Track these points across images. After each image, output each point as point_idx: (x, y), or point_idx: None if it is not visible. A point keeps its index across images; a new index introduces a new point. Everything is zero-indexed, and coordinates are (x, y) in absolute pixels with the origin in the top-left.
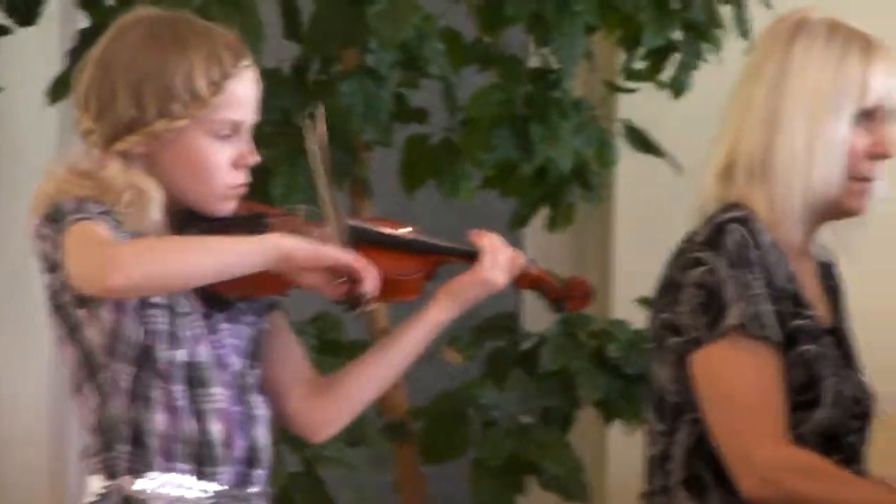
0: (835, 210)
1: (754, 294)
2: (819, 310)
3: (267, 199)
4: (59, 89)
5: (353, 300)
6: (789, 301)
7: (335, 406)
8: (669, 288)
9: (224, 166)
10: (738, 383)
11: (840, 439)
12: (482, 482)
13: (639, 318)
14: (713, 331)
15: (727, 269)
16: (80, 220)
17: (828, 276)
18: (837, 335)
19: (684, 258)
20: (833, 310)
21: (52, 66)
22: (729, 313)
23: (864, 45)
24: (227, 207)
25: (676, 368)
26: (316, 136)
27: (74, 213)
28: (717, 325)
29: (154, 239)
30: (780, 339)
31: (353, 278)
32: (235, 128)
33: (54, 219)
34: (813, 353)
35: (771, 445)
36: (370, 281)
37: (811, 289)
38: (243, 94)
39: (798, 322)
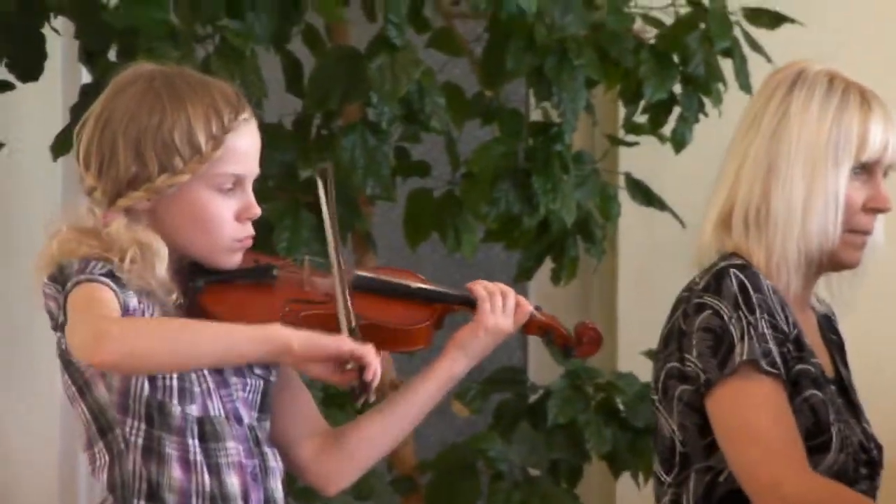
0: (831, 262)
1: (760, 333)
2: (821, 359)
3: (271, 252)
4: (63, 145)
5: (359, 388)
6: (792, 345)
7: (347, 459)
8: (673, 337)
9: (228, 219)
10: (757, 416)
11: (851, 487)
12: None
13: (645, 370)
14: (724, 370)
15: (731, 311)
16: (82, 283)
17: (828, 329)
18: (840, 386)
19: (687, 306)
20: (834, 362)
21: (56, 121)
22: (737, 352)
23: (862, 98)
24: (233, 260)
25: (683, 417)
26: (326, 191)
27: (78, 275)
28: (727, 363)
29: (152, 319)
30: (786, 378)
31: (358, 365)
32: (238, 181)
33: (58, 280)
34: (819, 399)
35: (798, 475)
36: (373, 366)
37: (813, 339)
38: (244, 147)
39: (801, 367)
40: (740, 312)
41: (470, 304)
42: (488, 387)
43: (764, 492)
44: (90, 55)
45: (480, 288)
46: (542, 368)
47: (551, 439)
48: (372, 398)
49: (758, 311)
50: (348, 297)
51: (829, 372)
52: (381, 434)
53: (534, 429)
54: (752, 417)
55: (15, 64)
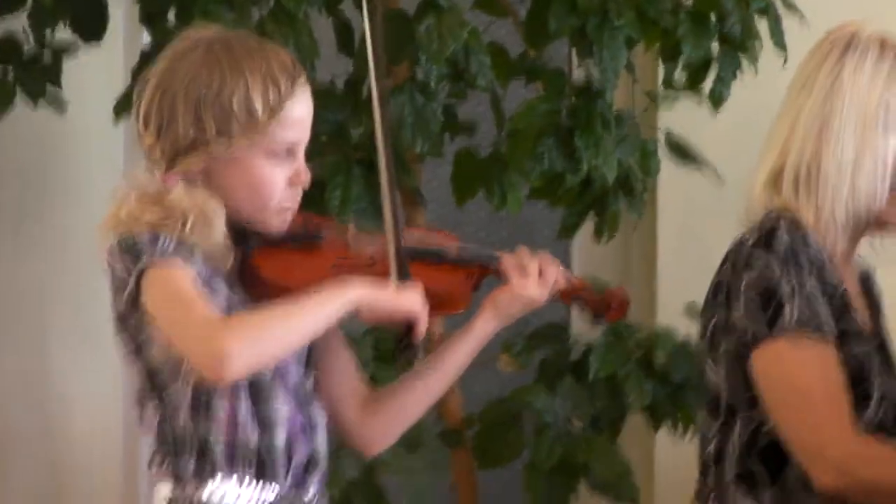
0: (877, 222)
1: (809, 293)
2: (861, 315)
3: (322, 208)
4: (124, 106)
5: (403, 345)
6: (839, 300)
7: (386, 420)
8: (721, 290)
9: (280, 185)
10: (805, 380)
11: (891, 438)
12: (535, 485)
13: (684, 326)
14: (772, 329)
15: (780, 268)
16: (157, 263)
17: (867, 286)
18: (879, 342)
19: (736, 259)
20: (873, 319)
21: (117, 83)
22: (786, 312)
23: None
24: (283, 223)
25: (730, 369)
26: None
27: (151, 252)
28: (775, 323)
29: (248, 317)
30: (835, 335)
31: (412, 324)
32: (291, 148)
33: (130, 251)
34: (862, 353)
35: (845, 438)
36: (419, 328)
37: (854, 296)
38: (299, 114)
39: (847, 321)
40: (790, 270)
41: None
42: (533, 342)
43: (810, 455)
44: (150, 18)
45: (511, 258)
46: (585, 324)
47: (593, 392)
48: (418, 357)
49: (806, 269)
50: (401, 246)
51: (869, 328)
52: (420, 394)
53: (577, 382)
54: (798, 382)
55: (78, 25)
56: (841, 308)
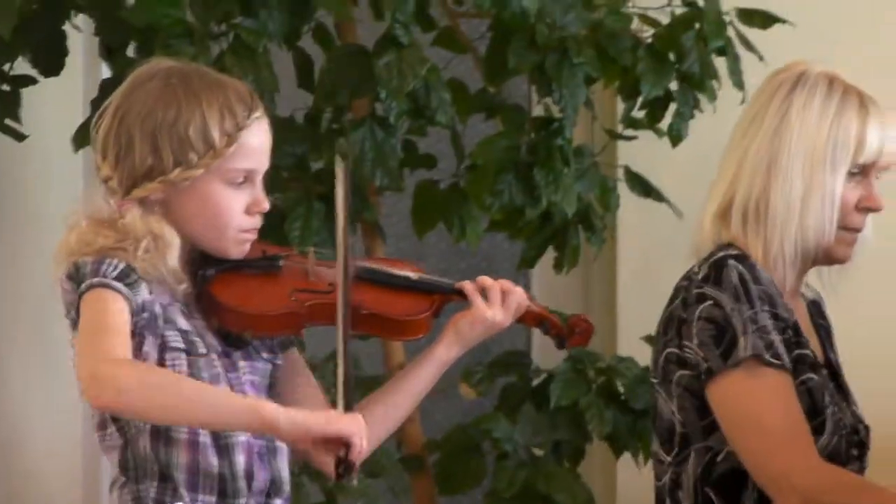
0: (825, 256)
1: (762, 326)
2: (813, 345)
3: (283, 240)
4: (83, 137)
5: (343, 465)
6: (791, 331)
7: None
8: (673, 324)
9: (238, 212)
10: (765, 409)
11: (843, 468)
12: None
13: (644, 355)
14: (727, 361)
15: (732, 303)
16: (95, 288)
17: (817, 315)
18: (830, 370)
19: (687, 295)
20: (823, 346)
21: (76, 114)
22: (740, 344)
23: (861, 101)
24: (241, 251)
25: (682, 400)
26: (341, 177)
27: (91, 277)
28: (730, 355)
29: (152, 371)
30: (790, 367)
31: (344, 444)
32: (248, 175)
33: (74, 278)
34: (815, 383)
35: (809, 465)
36: (357, 447)
37: (804, 326)
38: (256, 143)
39: (799, 352)
40: (741, 305)
41: (465, 296)
42: (494, 370)
43: (774, 482)
44: (110, 51)
45: (473, 283)
46: (546, 352)
47: (554, 421)
48: (355, 480)
49: (758, 304)
50: (347, 376)
51: (820, 356)
52: (381, 418)
53: (537, 410)
54: (759, 409)
55: (37, 59)
56: (793, 339)
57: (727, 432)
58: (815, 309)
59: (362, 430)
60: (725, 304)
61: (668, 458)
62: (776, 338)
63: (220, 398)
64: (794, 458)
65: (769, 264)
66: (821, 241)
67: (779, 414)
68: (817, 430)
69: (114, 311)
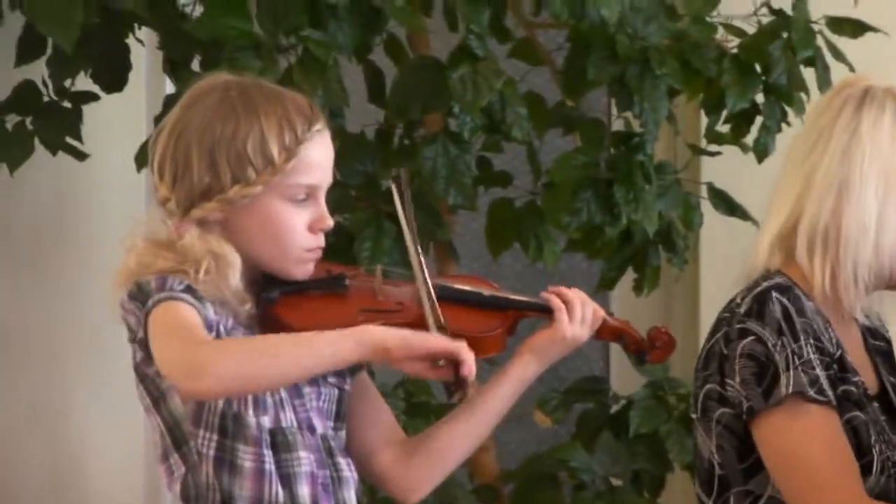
0: (894, 280)
1: (806, 360)
2: (864, 375)
3: (352, 261)
4: (147, 155)
5: (454, 384)
6: (836, 366)
7: (425, 466)
8: (714, 358)
9: (300, 230)
10: (808, 447)
11: None
12: None
13: None
14: (769, 400)
15: (775, 338)
16: (163, 301)
17: (872, 338)
18: (884, 400)
19: (729, 329)
20: (878, 374)
21: (140, 131)
22: (782, 382)
23: None
24: (305, 271)
25: (721, 440)
26: (401, 196)
27: (158, 293)
28: (772, 394)
29: (244, 339)
30: (835, 403)
31: (452, 362)
32: (310, 192)
33: (138, 298)
34: (860, 421)
35: (857, 503)
36: (468, 362)
37: (856, 354)
38: (317, 158)
39: (844, 388)
40: (784, 339)
41: (546, 311)
42: (570, 396)
43: None
44: (174, 66)
45: (556, 297)
46: (624, 378)
47: (633, 449)
48: (469, 394)
49: (802, 338)
50: (433, 295)
51: (873, 387)
52: (459, 439)
53: (616, 439)
54: (803, 449)
55: (99, 75)
56: (838, 375)
57: (773, 473)
58: (871, 333)
59: (467, 349)
60: (768, 340)
61: (709, 502)
62: (821, 373)
63: (325, 337)
64: (842, 496)
65: (837, 289)
66: (894, 265)
67: (824, 452)
68: (864, 470)
69: (189, 316)
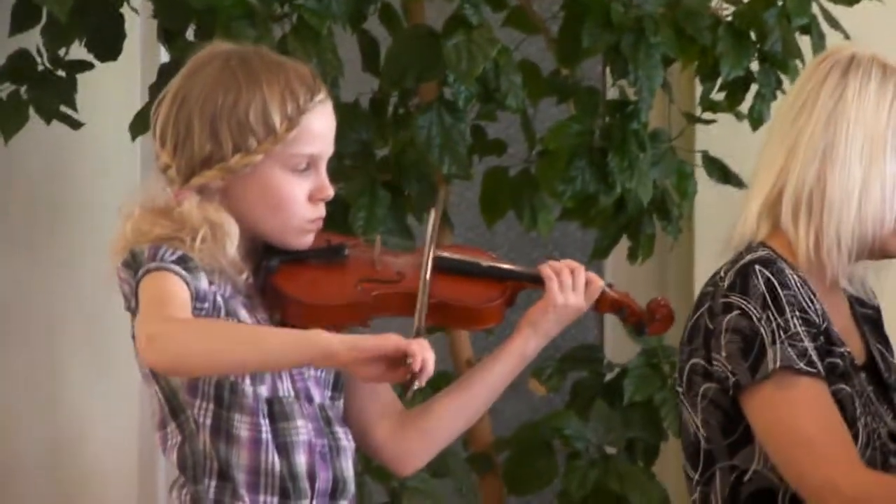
0: (878, 249)
1: (793, 333)
2: (851, 345)
3: (347, 230)
4: (141, 124)
5: (410, 381)
6: (822, 337)
7: (422, 438)
8: (698, 333)
9: (300, 200)
10: (799, 419)
11: None
12: None
13: None
14: (755, 374)
15: (760, 312)
16: (153, 272)
17: (859, 306)
18: (872, 370)
19: (713, 303)
20: (866, 343)
21: (134, 100)
22: (769, 356)
23: None
24: (305, 241)
25: (707, 415)
26: (435, 214)
27: (149, 262)
28: (759, 368)
29: (210, 324)
30: (823, 374)
31: (404, 357)
32: (312, 161)
33: (131, 266)
34: (846, 394)
35: (853, 472)
36: (419, 357)
37: (843, 324)
38: (318, 128)
39: (830, 360)
40: (769, 313)
41: (539, 282)
42: (565, 365)
43: (821, 494)
44: (168, 35)
45: (548, 267)
46: (619, 347)
47: (627, 417)
48: (419, 384)
49: (787, 310)
50: (426, 301)
51: (860, 356)
52: (456, 413)
53: (610, 407)
54: (795, 421)
55: (94, 44)
56: (824, 346)
57: (766, 447)
58: (858, 301)
59: (419, 344)
60: (753, 314)
61: (695, 476)
62: (809, 344)
63: (275, 335)
64: (839, 466)
65: (821, 256)
66: (879, 231)
67: (817, 423)
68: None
69: (173, 290)
